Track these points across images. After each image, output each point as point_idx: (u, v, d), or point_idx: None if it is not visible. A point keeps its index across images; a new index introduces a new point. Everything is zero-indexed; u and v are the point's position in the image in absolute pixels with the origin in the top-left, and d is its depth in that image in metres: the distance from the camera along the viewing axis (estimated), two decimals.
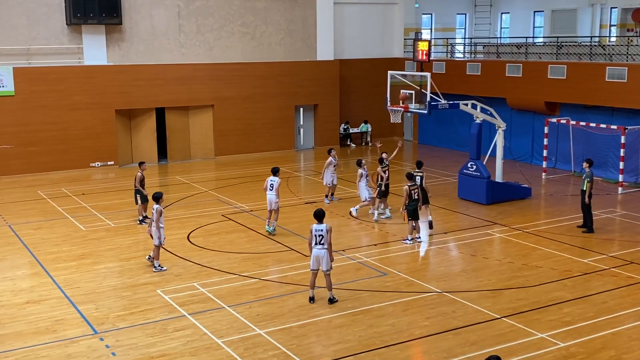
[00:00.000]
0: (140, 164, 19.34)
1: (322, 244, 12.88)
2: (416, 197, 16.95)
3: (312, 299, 13.23)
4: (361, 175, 19.45)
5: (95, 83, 26.82)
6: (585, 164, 18.20)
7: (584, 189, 17.80)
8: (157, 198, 15.24)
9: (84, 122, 26.75)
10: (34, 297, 13.72)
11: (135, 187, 18.77)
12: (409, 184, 17.02)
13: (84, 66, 26.78)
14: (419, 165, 19.08)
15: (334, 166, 21.06)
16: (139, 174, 18.78)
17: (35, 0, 25.89)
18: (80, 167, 26.80)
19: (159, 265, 15.22)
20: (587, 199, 17.72)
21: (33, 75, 25.80)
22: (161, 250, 15.39)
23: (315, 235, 12.88)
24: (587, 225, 17.96)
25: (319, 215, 13.04)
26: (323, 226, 12.91)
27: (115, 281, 14.65)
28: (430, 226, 18.17)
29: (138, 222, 18.94)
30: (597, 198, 21.56)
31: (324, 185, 21.22)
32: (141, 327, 12.24)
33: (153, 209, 15.18)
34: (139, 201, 18.82)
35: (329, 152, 21.33)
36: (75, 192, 23.14)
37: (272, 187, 17.64)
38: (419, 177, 18.26)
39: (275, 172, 17.95)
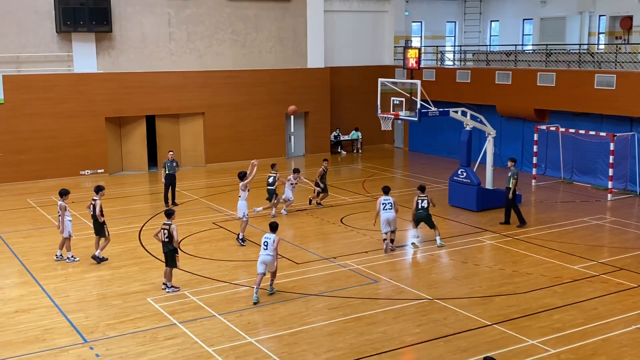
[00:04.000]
0: None
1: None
2: (424, 205, 17.26)
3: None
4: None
5: (85, 91, 26.74)
6: (510, 163, 19.37)
7: (509, 186, 18.89)
8: (62, 194, 15.96)
9: (74, 129, 26.66)
10: (23, 306, 13.63)
11: None
12: (419, 194, 17.48)
13: (74, 74, 26.70)
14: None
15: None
16: None
17: (25, 8, 25.83)
18: (70, 175, 26.67)
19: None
20: (510, 195, 18.90)
21: (23, 83, 25.70)
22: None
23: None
24: (507, 220, 19.13)
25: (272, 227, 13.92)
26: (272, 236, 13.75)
27: (105, 289, 14.56)
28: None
29: None
30: (587, 205, 21.75)
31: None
32: (131, 335, 12.18)
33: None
34: None
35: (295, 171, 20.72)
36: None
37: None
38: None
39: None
